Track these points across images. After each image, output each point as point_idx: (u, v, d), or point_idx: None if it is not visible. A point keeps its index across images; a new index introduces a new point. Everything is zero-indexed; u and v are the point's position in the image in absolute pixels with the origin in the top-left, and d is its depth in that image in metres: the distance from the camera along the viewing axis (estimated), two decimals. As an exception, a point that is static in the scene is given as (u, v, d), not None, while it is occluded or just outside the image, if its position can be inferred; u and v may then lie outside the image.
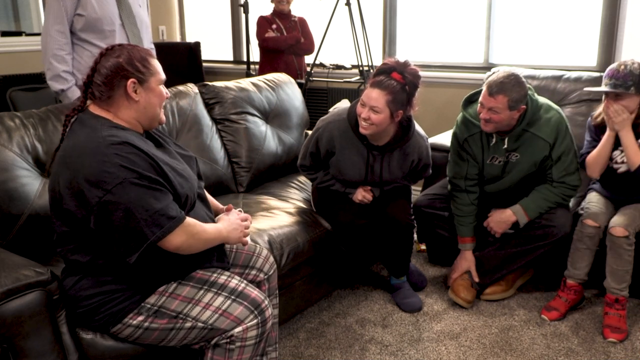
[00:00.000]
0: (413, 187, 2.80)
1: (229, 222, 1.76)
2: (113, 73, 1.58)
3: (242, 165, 2.90)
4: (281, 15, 4.16)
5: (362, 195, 2.53)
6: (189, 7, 5.38)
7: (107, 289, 1.62)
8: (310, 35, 4.23)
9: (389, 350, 2.31)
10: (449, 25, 4.00)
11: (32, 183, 2.02)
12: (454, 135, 2.62)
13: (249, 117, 2.96)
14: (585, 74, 3.15)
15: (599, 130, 2.51)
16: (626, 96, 2.34)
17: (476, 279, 2.64)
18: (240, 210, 1.85)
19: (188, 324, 1.63)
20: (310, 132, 2.60)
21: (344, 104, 2.66)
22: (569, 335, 2.39)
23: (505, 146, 2.47)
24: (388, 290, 2.75)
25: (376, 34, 4.22)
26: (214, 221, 1.80)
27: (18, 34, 4.53)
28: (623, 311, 2.37)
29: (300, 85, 3.69)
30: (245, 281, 1.73)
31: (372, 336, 2.40)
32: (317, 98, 4.40)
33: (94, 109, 1.63)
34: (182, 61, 4.82)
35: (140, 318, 1.62)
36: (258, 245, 2.01)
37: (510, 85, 2.30)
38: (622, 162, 2.44)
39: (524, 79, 2.35)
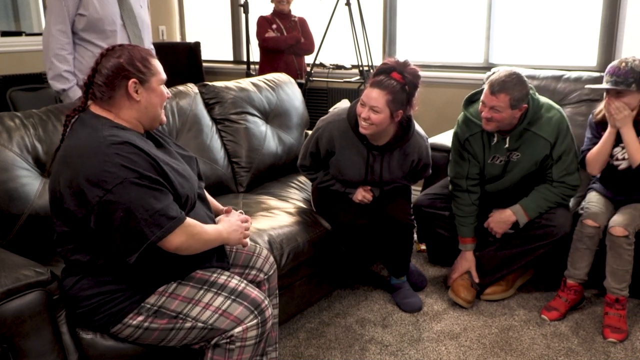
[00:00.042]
0: (413, 187, 2.80)
1: (229, 223, 1.76)
2: (114, 73, 1.59)
3: (242, 165, 2.90)
4: (281, 15, 4.16)
5: (362, 195, 2.53)
6: (189, 7, 5.38)
7: (107, 289, 1.62)
8: (310, 35, 4.23)
9: (389, 350, 2.31)
10: (449, 25, 4.00)
11: (32, 183, 2.02)
12: (455, 135, 2.62)
13: (249, 117, 2.96)
14: (585, 74, 3.15)
15: (599, 127, 2.51)
16: (627, 93, 2.35)
17: (476, 280, 2.64)
18: (240, 212, 1.85)
19: (188, 324, 1.63)
20: (310, 132, 2.60)
21: (344, 104, 2.66)
22: (569, 335, 2.39)
23: (507, 145, 2.47)
24: (388, 290, 2.75)
25: (376, 34, 4.22)
26: (214, 222, 1.80)
27: (18, 34, 4.53)
28: (623, 311, 2.37)
29: (300, 85, 3.69)
30: (245, 281, 1.73)
31: (372, 336, 2.40)
32: (317, 98, 4.40)
33: (95, 109, 1.63)
34: (182, 61, 4.82)
35: (140, 318, 1.62)
36: (258, 246, 2.01)
37: (512, 84, 2.31)
38: (623, 159, 2.44)
39: (525, 78, 2.36)
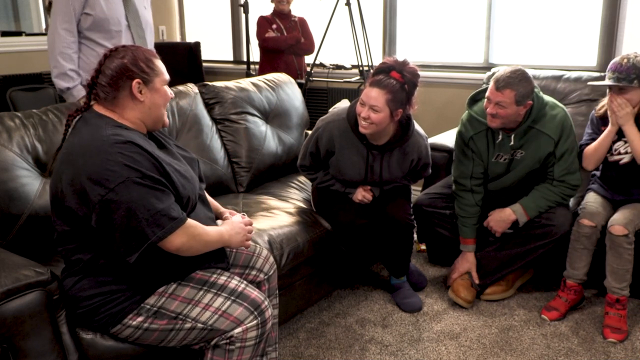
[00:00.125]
0: (413, 187, 2.81)
1: (232, 225, 1.76)
2: (118, 74, 1.59)
3: (242, 165, 2.90)
4: (281, 15, 4.16)
5: (362, 195, 2.53)
6: (189, 7, 5.38)
7: (107, 289, 1.62)
8: (311, 35, 4.23)
9: (389, 350, 2.31)
10: (449, 25, 4.00)
11: (32, 183, 2.02)
12: (459, 134, 2.62)
13: (249, 117, 2.96)
14: (585, 74, 3.15)
15: (601, 122, 2.52)
16: (629, 89, 2.36)
17: (476, 281, 2.64)
18: (243, 215, 1.85)
19: (188, 325, 1.63)
20: (310, 132, 2.60)
21: (344, 104, 2.66)
22: (569, 335, 2.39)
23: (512, 143, 2.47)
24: (388, 290, 2.75)
25: (376, 34, 4.22)
26: (214, 223, 1.80)
27: (18, 34, 4.54)
28: (624, 311, 2.37)
29: (300, 85, 3.69)
30: (245, 282, 1.73)
31: (372, 336, 2.40)
32: (317, 98, 4.40)
33: (98, 108, 1.64)
34: (182, 61, 4.82)
35: (140, 319, 1.62)
36: (258, 246, 2.01)
37: (517, 80, 2.32)
38: (626, 153, 2.45)
39: (530, 75, 2.36)
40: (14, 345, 1.51)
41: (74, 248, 1.62)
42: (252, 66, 4.53)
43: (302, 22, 4.22)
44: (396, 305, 2.64)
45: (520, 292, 2.74)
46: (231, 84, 3.03)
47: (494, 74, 3.28)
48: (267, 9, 4.26)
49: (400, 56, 2.32)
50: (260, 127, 3.00)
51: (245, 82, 3.10)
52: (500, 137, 2.50)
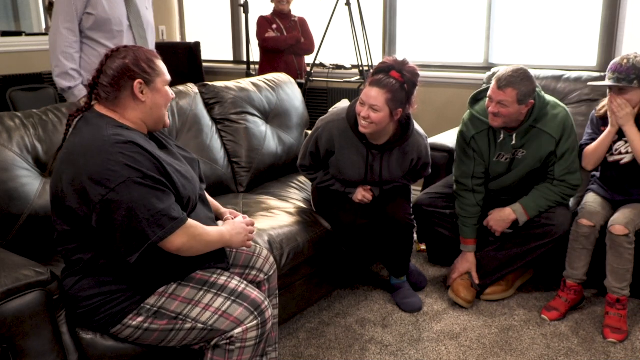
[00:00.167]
0: (413, 187, 2.80)
1: (233, 225, 1.76)
2: (119, 74, 1.59)
3: (242, 165, 2.90)
4: (281, 15, 4.16)
5: (362, 195, 2.53)
6: (189, 7, 5.38)
7: (107, 289, 1.62)
8: (311, 35, 4.23)
9: (389, 350, 2.31)
10: (449, 25, 4.00)
11: (32, 183, 2.02)
12: (461, 134, 2.62)
13: (249, 117, 2.96)
14: (585, 74, 3.15)
15: (601, 122, 2.53)
16: (629, 90, 2.36)
17: (476, 281, 2.64)
18: (244, 217, 1.86)
19: (188, 325, 1.63)
20: (310, 132, 2.60)
21: (344, 103, 2.66)
22: (569, 335, 2.39)
23: (514, 142, 2.47)
24: (388, 290, 2.75)
25: (376, 34, 4.22)
26: (215, 223, 1.80)
27: (18, 34, 4.54)
28: (624, 311, 2.37)
29: (300, 85, 3.69)
30: (245, 282, 1.73)
31: (372, 336, 2.40)
32: (317, 98, 4.40)
33: (99, 108, 1.64)
34: (182, 61, 4.82)
35: (140, 319, 1.62)
36: (258, 246, 2.01)
37: (519, 79, 2.32)
38: (627, 153, 2.45)
39: (532, 75, 2.36)
40: (14, 345, 1.51)
41: (74, 248, 1.62)
42: (252, 66, 4.53)
43: (302, 22, 4.22)
44: (396, 305, 2.64)
45: (520, 292, 2.74)
46: (231, 84, 3.03)
47: (494, 74, 3.29)
48: (267, 9, 4.26)
49: (400, 56, 2.32)
50: (260, 127, 3.00)
51: (245, 82, 3.10)
52: (501, 136, 2.50)
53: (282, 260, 2.27)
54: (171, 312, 1.63)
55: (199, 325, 1.62)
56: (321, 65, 4.29)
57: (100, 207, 1.49)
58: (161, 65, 1.67)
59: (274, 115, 3.10)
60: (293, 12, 4.22)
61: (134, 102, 1.62)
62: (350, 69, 4.25)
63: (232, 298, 1.65)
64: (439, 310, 2.60)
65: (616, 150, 2.48)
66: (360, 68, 3.94)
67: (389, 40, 4.21)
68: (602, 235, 2.42)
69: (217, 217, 1.96)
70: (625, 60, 2.36)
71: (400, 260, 2.62)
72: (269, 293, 2.00)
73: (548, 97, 2.51)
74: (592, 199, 2.55)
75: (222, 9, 5.14)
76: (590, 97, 3.06)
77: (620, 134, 2.45)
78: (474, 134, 2.56)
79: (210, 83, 2.97)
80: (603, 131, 2.48)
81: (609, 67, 2.42)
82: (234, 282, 1.70)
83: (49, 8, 4.62)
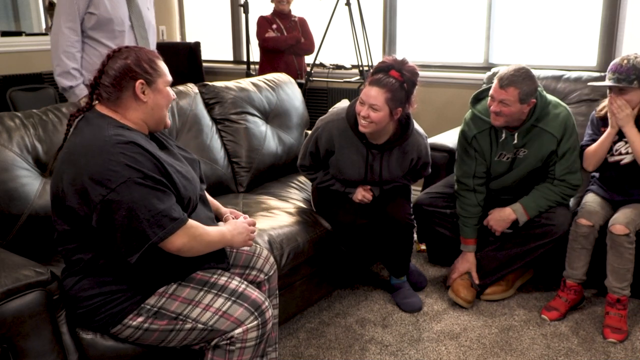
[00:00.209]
0: (413, 187, 2.80)
1: (234, 225, 1.76)
2: (121, 74, 1.59)
3: (242, 165, 2.90)
4: (281, 15, 4.16)
5: (362, 194, 2.53)
6: (189, 7, 5.38)
7: (107, 289, 1.62)
8: (311, 35, 4.23)
9: (389, 350, 2.31)
10: (449, 25, 4.00)
11: (32, 183, 2.02)
12: (462, 133, 2.62)
13: (249, 117, 2.96)
14: (585, 74, 3.15)
15: (601, 123, 2.53)
16: (629, 90, 2.36)
17: (476, 281, 2.64)
18: (245, 217, 1.86)
19: (188, 325, 1.63)
20: (310, 132, 2.60)
21: (344, 103, 2.66)
22: (569, 335, 2.39)
23: (515, 141, 2.47)
24: (388, 290, 2.75)
25: (376, 34, 4.22)
26: (214, 223, 1.80)
27: (18, 34, 4.53)
28: (624, 311, 2.37)
29: (300, 85, 3.69)
30: (245, 282, 1.73)
31: (372, 336, 2.40)
32: (317, 98, 4.40)
33: (101, 108, 1.64)
34: (182, 61, 4.82)
35: (140, 319, 1.62)
36: (258, 246, 2.01)
37: (521, 78, 2.33)
38: (627, 153, 2.45)
39: (534, 74, 2.37)
40: (14, 345, 1.51)
41: (74, 248, 1.62)
42: (252, 66, 4.53)
43: (302, 22, 4.22)
44: (396, 305, 2.64)
45: (520, 292, 2.74)
46: (231, 84, 3.03)
47: (494, 73, 3.30)
48: (267, 9, 4.26)
49: (400, 56, 2.32)
50: (260, 127, 2.99)
51: (245, 82, 3.10)
52: (503, 135, 2.50)
53: (282, 260, 2.27)
54: (171, 312, 1.63)
55: (199, 326, 1.62)
56: (321, 65, 4.29)
57: (100, 207, 1.49)
58: (163, 66, 1.68)
59: (274, 115, 3.10)
60: (293, 12, 4.22)
61: (136, 102, 1.62)
62: (350, 69, 4.25)
63: (233, 298, 1.65)
64: (439, 310, 2.60)
65: (616, 150, 2.48)
66: (360, 68, 3.94)
67: (389, 40, 4.21)
68: (602, 235, 2.42)
69: (217, 217, 1.96)
70: (625, 61, 2.36)
71: (400, 260, 2.62)
72: (269, 293, 2.00)
73: (550, 97, 2.51)
74: (591, 199, 2.55)
75: (222, 9, 5.14)
76: (590, 97, 3.06)
77: (621, 135, 2.45)
78: (475, 133, 2.56)
79: (210, 83, 2.97)
80: (603, 132, 2.48)
81: (609, 67, 2.42)
82: (235, 283, 1.70)
83: (49, 8, 4.62)
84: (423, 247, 3.18)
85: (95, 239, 1.58)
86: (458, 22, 3.96)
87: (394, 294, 2.67)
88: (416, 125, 2.49)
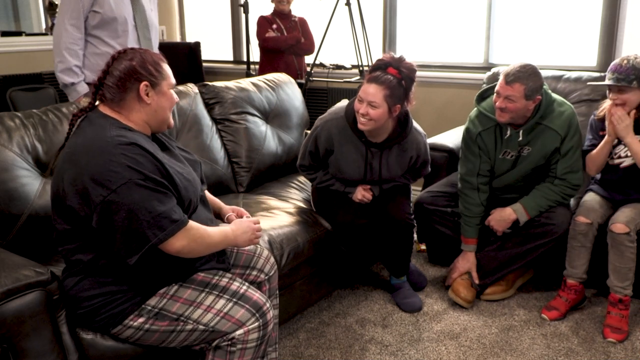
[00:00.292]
0: (413, 187, 2.80)
1: (239, 225, 1.75)
2: (126, 76, 1.59)
3: (242, 165, 2.90)
4: (281, 15, 4.16)
5: (361, 194, 2.53)
6: (189, 7, 5.38)
7: (107, 290, 1.62)
8: (311, 36, 4.23)
9: (389, 350, 2.31)
10: (449, 25, 4.00)
11: (32, 183, 2.02)
12: (467, 131, 2.62)
13: (249, 117, 2.96)
14: (585, 74, 3.15)
15: (600, 125, 2.54)
16: (628, 90, 2.37)
17: (476, 281, 2.64)
18: (247, 216, 1.86)
19: (189, 327, 1.62)
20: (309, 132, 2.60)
21: (343, 103, 2.67)
22: (569, 335, 2.39)
23: (520, 139, 2.48)
24: (388, 290, 2.75)
25: (376, 34, 4.22)
26: (214, 224, 1.80)
27: (18, 34, 4.53)
28: (626, 311, 2.37)
29: (300, 85, 3.69)
30: (246, 284, 1.73)
31: (372, 336, 2.40)
32: (317, 98, 4.40)
33: (103, 109, 1.64)
34: (182, 61, 4.82)
35: (141, 320, 1.62)
36: (259, 246, 2.01)
37: (527, 75, 2.34)
38: (627, 156, 2.46)
39: (539, 71, 2.38)
40: (14, 345, 1.51)
41: (74, 248, 1.62)
42: (252, 66, 4.53)
43: (302, 22, 4.22)
44: (396, 305, 2.64)
45: (520, 292, 2.74)
46: (231, 84, 3.03)
47: (494, 74, 3.30)
48: (267, 9, 4.26)
49: (398, 54, 2.33)
50: (260, 127, 2.99)
51: (245, 82, 3.10)
52: (508, 133, 2.50)
53: (282, 260, 2.27)
54: (172, 313, 1.63)
55: (201, 327, 1.62)
56: (321, 65, 4.29)
57: (101, 207, 1.49)
58: (167, 68, 1.68)
59: (274, 115, 3.10)
60: (293, 12, 4.22)
61: (139, 104, 1.62)
62: (350, 69, 4.25)
63: (234, 300, 1.65)
64: (439, 310, 2.60)
65: (616, 154, 2.49)
66: (360, 68, 3.94)
67: (389, 40, 4.21)
68: (602, 234, 2.42)
69: (220, 216, 1.96)
70: (625, 61, 2.37)
71: (400, 260, 2.62)
72: (270, 293, 2.00)
73: (554, 95, 2.52)
74: (590, 197, 2.56)
75: (222, 9, 5.14)
76: (590, 97, 3.05)
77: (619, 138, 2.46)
78: (480, 130, 2.56)
79: (210, 83, 2.97)
80: (602, 135, 2.49)
81: (609, 67, 2.43)
82: (236, 284, 1.70)
83: (49, 8, 4.63)
84: (423, 247, 3.18)
85: (96, 239, 1.57)
86: (458, 22, 3.96)
87: (394, 294, 2.67)
88: (415, 124, 2.49)
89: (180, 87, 2.81)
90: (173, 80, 1.70)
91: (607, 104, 2.50)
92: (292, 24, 4.18)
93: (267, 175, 3.01)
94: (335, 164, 2.51)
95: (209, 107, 2.89)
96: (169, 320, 1.63)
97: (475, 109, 2.61)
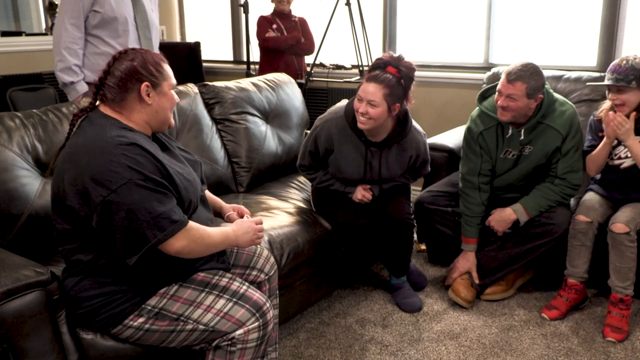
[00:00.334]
0: (412, 187, 2.80)
1: (240, 225, 1.75)
2: (127, 76, 1.59)
3: (242, 165, 2.90)
4: (281, 15, 4.16)
5: (361, 194, 2.53)
6: (189, 7, 5.38)
7: (107, 290, 1.62)
8: (311, 36, 4.23)
9: (389, 350, 2.31)
10: (449, 25, 4.00)
11: (32, 183, 2.02)
12: (468, 130, 2.62)
13: (249, 117, 2.96)
14: (585, 74, 3.15)
15: (599, 125, 2.54)
16: (627, 90, 2.37)
17: (476, 281, 2.64)
18: (248, 217, 1.86)
19: (189, 327, 1.63)
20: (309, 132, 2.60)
21: (343, 103, 2.67)
22: (569, 335, 2.39)
23: (522, 138, 2.48)
24: (388, 290, 2.75)
25: (376, 34, 4.22)
26: (214, 224, 1.80)
27: (18, 34, 4.53)
28: (627, 311, 2.37)
29: (300, 85, 3.69)
30: (247, 283, 1.73)
31: (372, 336, 2.40)
32: (317, 98, 4.40)
33: (104, 109, 1.64)
34: (182, 61, 4.82)
35: (141, 320, 1.62)
36: (259, 246, 2.01)
37: (529, 73, 2.34)
38: (627, 157, 2.46)
39: (541, 70, 2.38)
40: (14, 345, 1.51)
41: (74, 248, 1.62)
42: (252, 66, 4.53)
43: (302, 22, 4.22)
44: (396, 305, 2.64)
45: (520, 292, 2.74)
46: (231, 84, 3.03)
47: (494, 74, 3.30)
48: (267, 9, 4.26)
49: (397, 54, 2.33)
50: (260, 127, 2.99)
51: (245, 82, 3.10)
52: (510, 131, 2.50)
53: (282, 260, 2.27)
54: (172, 313, 1.63)
55: (201, 327, 1.62)
56: (321, 65, 4.29)
57: (100, 208, 1.49)
58: (168, 69, 1.69)
59: (274, 115, 3.10)
60: (293, 12, 4.22)
61: (140, 104, 1.63)
62: (350, 69, 4.25)
63: (234, 300, 1.65)
64: (439, 310, 2.60)
65: (616, 155, 2.49)
66: (360, 68, 3.94)
67: (389, 40, 4.21)
68: (603, 234, 2.42)
69: (220, 214, 1.96)
70: (624, 62, 2.38)
71: (400, 260, 2.62)
72: (270, 293, 2.00)
73: (556, 94, 2.53)
74: (590, 197, 2.56)
75: (222, 9, 5.14)
76: (590, 97, 3.05)
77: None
78: (482, 129, 2.56)
79: (210, 83, 2.97)
80: (602, 136, 2.49)
81: (609, 68, 2.44)
82: (236, 284, 1.70)
83: (49, 8, 4.63)
84: (423, 247, 3.18)
85: (96, 239, 1.57)
86: (458, 22, 3.96)
87: (394, 294, 2.67)
88: (414, 123, 2.49)
89: (180, 87, 2.81)
90: (174, 81, 1.70)
91: (606, 104, 2.50)
92: (292, 24, 4.18)
93: (267, 175, 3.01)
94: (335, 163, 2.51)
95: (209, 107, 2.89)
96: (169, 320, 1.63)
97: (477, 108, 2.61)
